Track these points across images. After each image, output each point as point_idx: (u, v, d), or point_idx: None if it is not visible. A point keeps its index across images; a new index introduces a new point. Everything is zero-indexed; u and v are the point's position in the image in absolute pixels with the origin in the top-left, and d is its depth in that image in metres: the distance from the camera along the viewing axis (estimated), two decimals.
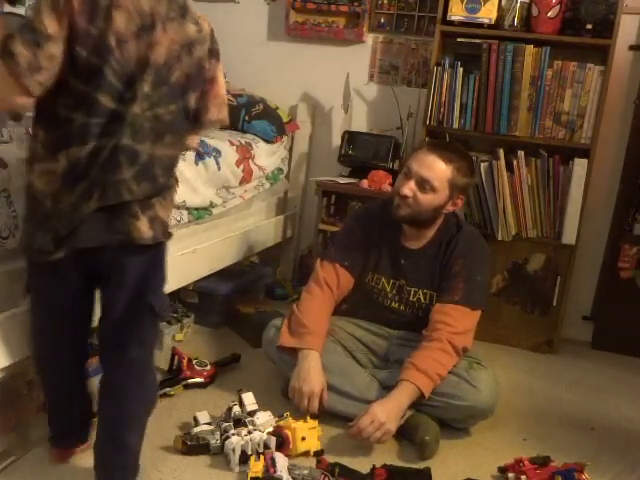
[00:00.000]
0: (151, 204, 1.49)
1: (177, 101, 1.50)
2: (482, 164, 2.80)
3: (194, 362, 2.29)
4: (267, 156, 3.07)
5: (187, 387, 2.24)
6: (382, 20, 3.25)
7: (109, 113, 1.41)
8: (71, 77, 1.38)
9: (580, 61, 2.74)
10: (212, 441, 1.87)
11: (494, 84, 2.78)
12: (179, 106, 1.51)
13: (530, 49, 2.73)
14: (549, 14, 2.69)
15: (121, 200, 1.44)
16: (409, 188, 2.12)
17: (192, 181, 2.41)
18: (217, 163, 2.57)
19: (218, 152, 2.59)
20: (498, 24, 2.79)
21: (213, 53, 1.60)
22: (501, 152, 2.80)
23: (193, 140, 1.71)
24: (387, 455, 1.96)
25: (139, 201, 1.46)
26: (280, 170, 3.23)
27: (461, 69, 2.83)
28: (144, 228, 1.48)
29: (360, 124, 3.29)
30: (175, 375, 2.27)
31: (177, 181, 1.64)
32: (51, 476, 1.72)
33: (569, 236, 2.80)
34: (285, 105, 3.32)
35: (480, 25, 2.78)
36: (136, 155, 1.44)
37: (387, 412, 1.93)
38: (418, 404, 2.02)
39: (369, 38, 3.28)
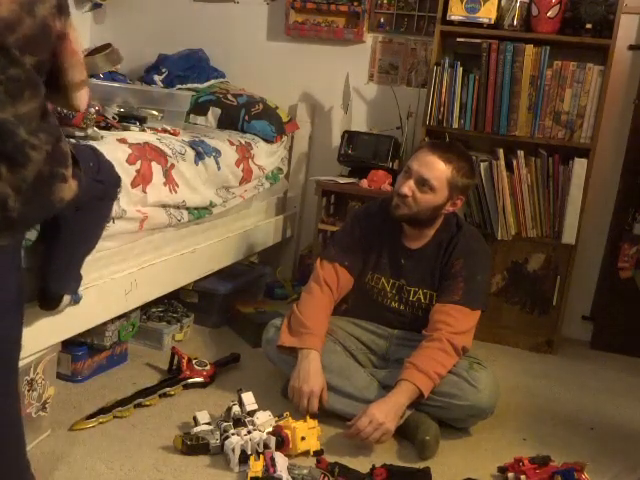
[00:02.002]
0: None
1: (22, 62, 1.35)
2: (482, 164, 2.81)
3: (194, 362, 2.29)
4: (267, 156, 3.07)
5: (187, 387, 2.24)
6: (382, 20, 3.25)
7: None
8: None
9: (580, 61, 2.74)
10: (212, 441, 1.87)
11: (494, 84, 2.78)
12: (27, 66, 1.36)
13: (530, 49, 2.73)
14: (549, 14, 2.70)
15: None
16: (408, 187, 2.12)
17: (192, 181, 2.41)
18: (217, 163, 2.57)
19: (218, 152, 2.60)
20: (498, 24, 2.79)
21: (61, 9, 1.44)
22: (501, 152, 2.80)
23: (75, 100, 1.57)
24: (387, 455, 1.96)
25: None
26: (280, 170, 3.23)
27: (461, 69, 2.83)
28: None
29: (360, 124, 3.29)
30: (175, 375, 2.27)
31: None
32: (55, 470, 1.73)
33: (569, 236, 2.80)
34: (285, 105, 3.32)
35: (480, 25, 2.78)
36: None
37: (385, 412, 1.93)
38: (418, 404, 2.02)
39: (369, 38, 3.28)
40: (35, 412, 1.82)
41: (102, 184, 1.78)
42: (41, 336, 1.78)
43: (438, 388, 2.02)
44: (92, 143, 1.95)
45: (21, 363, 1.65)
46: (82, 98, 1.59)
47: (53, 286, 1.74)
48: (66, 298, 1.79)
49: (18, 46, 1.35)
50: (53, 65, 1.47)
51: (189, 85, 3.25)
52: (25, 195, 1.35)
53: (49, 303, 1.77)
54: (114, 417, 2.00)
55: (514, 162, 2.80)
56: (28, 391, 1.78)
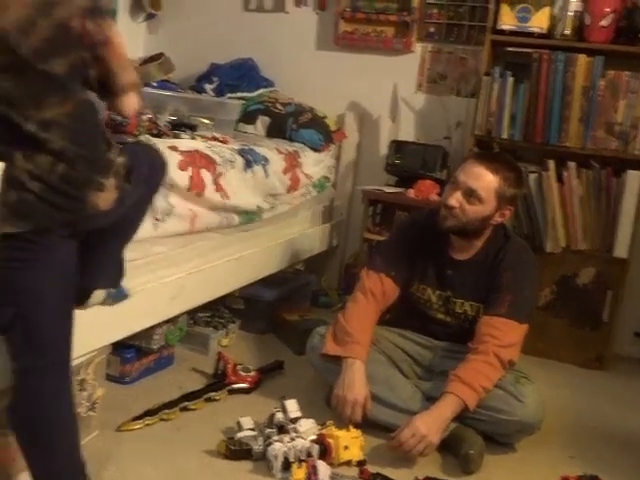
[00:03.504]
0: None
1: (40, 65, 1.38)
2: (531, 175, 2.77)
3: (239, 368, 2.31)
4: (314, 164, 3.09)
5: (231, 392, 2.26)
6: (431, 29, 3.24)
7: None
8: None
9: (634, 71, 2.68)
10: (255, 447, 1.88)
11: (544, 94, 2.75)
12: (46, 69, 1.38)
13: (582, 58, 2.69)
14: (602, 23, 2.65)
15: None
16: (455, 199, 2.11)
17: (240, 188, 2.44)
18: (265, 171, 2.59)
19: (266, 160, 2.62)
20: (549, 33, 2.75)
21: (95, 12, 1.45)
22: (551, 163, 2.76)
23: (122, 105, 1.58)
24: (430, 467, 1.94)
25: None
26: (327, 178, 3.25)
27: (511, 79, 2.81)
28: None
29: (407, 133, 3.28)
30: (220, 380, 2.29)
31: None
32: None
33: (621, 249, 2.74)
34: (333, 114, 3.33)
35: (531, 34, 2.75)
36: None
37: (429, 424, 1.91)
38: (463, 417, 2.00)
39: (418, 47, 3.27)
40: (85, 412, 1.85)
41: (151, 186, 1.77)
42: (91, 338, 1.81)
43: (484, 402, 1.99)
44: None
45: (72, 363, 1.69)
46: (128, 103, 1.60)
47: (82, 281, 1.65)
48: (98, 294, 1.73)
49: (40, 49, 1.37)
50: (101, 70, 1.50)
51: (239, 94, 3.29)
52: (48, 184, 1.39)
53: (79, 298, 1.69)
54: (160, 419, 2.03)
55: (565, 173, 2.75)
56: (79, 391, 1.82)
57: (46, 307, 1.47)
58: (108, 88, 1.53)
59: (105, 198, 1.49)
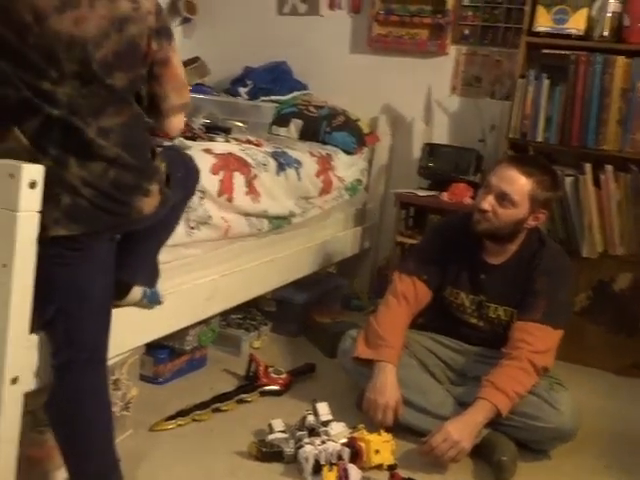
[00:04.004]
0: None
1: (106, 78, 1.44)
2: (567, 178, 2.73)
3: (270, 370, 2.32)
4: (347, 167, 3.08)
5: (263, 394, 2.27)
6: (466, 32, 3.22)
7: (37, 91, 1.38)
8: None
9: None
10: (286, 449, 1.89)
11: (582, 96, 2.71)
12: (109, 82, 1.44)
13: (621, 60, 2.64)
14: None
15: None
16: (488, 202, 2.09)
17: (273, 191, 2.45)
18: (298, 174, 2.60)
19: (299, 163, 2.63)
20: (587, 35, 2.71)
21: (161, 33, 1.52)
22: (588, 166, 2.71)
23: (168, 126, 1.65)
24: (462, 474, 1.93)
25: None
26: (359, 181, 3.24)
27: (547, 81, 2.77)
28: None
29: (441, 136, 3.26)
30: (251, 382, 2.30)
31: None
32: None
33: None
34: (366, 117, 3.33)
35: (568, 36, 2.71)
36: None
37: (461, 430, 1.90)
38: (496, 423, 1.98)
39: (452, 50, 3.25)
40: (119, 411, 1.88)
41: (187, 189, 1.83)
42: (126, 338, 1.83)
43: (517, 408, 1.97)
44: None
45: (107, 363, 1.72)
46: (175, 124, 1.67)
47: (122, 276, 1.69)
48: (137, 291, 1.77)
49: (107, 62, 1.43)
50: (154, 89, 1.56)
51: (272, 97, 3.32)
52: (99, 190, 1.43)
53: (117, 294, 1.72)
54: (192, 420, 2.05)
55: (602, 177, 2.70)
56: (113, 390, 1.84)
57: (87, 304, 1.51)
58: (157, 107, 1.58)
59: (149, 203, 1.54)
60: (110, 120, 1.45)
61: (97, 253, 1.51)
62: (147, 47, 1.51)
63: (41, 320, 1.48)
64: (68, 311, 1.49)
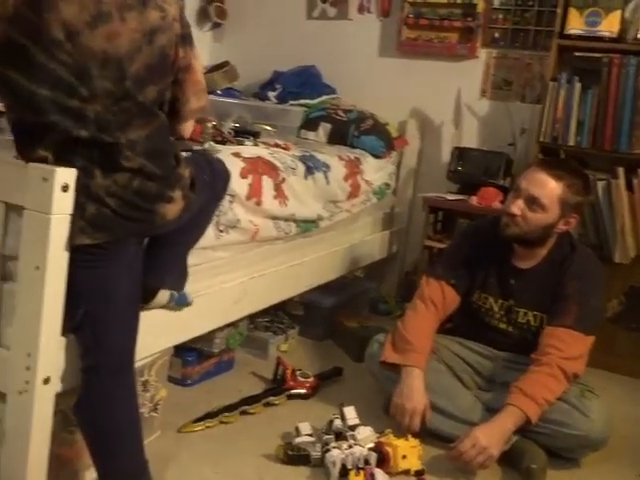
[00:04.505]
0: None
1: (138, 94, 1.42)
2: (599, 183, 2.69)
3: (297, 373, 2.32)
4: (375, 171, 3.08)
5: (290, 397, 2.28)
6: (496, 35, 3.20)
7: (65, 109, 1.36)
8: (9, 69, 1.34)
9: None
10: (313, 452, 1.89)
11: (614, 100, 2.67)
12: (140, 99, 1.43)
13: None
14: None
15: None
16: (517, 207, 2.07)
17: (301, 195, 2.45)
18: (326, 178, 2.60)
19: (327, 167, 2.63)
20: (620, 37, 2.67)
21: (185, 39, 1.52)
22: (620, 170, 2.67)
23: (183, 130, 1.65)
24: None
25: None
26: (387, 185, 3.23)
27: (579, 84, 2.74)
28: None
29: (470, 140, 3.24)
30: (279, 385, 2.31)
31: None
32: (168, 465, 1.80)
33: None
34: (395, 120, 3.32)
35: (600, 39, 2.68)
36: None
37: (489, 436, 1.88)
38: (525, 430, 1.95)
39: (482, 53, 3.23)
40: (147, 412, 1.90)
41: (214, 192, 1.83)
42: (155, 340, 1.85)
43: (547, 415, 1.95)
44: None
45: (136, 365, 1.74)
46: (189, 127, 1.68)
47: (149, 280, 1.70)
48: (163, 294, 1.78)
49: (140, 76, 1.42)
50: (176, 94, 1.56)
51: (301, 101, 3.33)
52: (123, 200, 1.44)
53: (144, 297, 1.73)
54: (220, 422, 2.06)
55: (635, 181, 2.66)
56: (142, 392, 1.86)
57: (114, 307, 1.52)
58: (177, 111, 1.59)
59: (173, 209, 1.54)
60: (137, 132, 1.45)
61: (122, 257, 1.52)
62: (175, 55, 1.50)
63: (70, 323, 1.50)
64: (94, 314, 1.50)
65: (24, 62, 1.34)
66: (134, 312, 1.60)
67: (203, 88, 1.61)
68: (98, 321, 1.51)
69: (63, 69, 1.35)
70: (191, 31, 1.56)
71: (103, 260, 1.49)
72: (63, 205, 1.40)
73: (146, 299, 1.73)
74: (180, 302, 1.86)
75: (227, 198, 2.02)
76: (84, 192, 1.42)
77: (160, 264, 1.72)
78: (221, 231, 2.05)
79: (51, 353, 1.46)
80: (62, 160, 1.39)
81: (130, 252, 1.54)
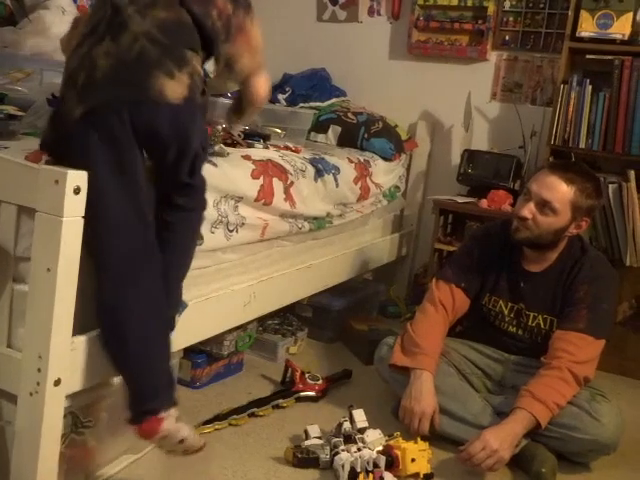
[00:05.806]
0: None
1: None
2: (610, 186, 2.68)
3: (306, 376, 2.32)
4: (385, 174, 3.08)
5: (299, 400, 2.28)
6: (507, 37, 3.20)
7: None
8: None
9: None
10: (322, 455, 1.89)
11: (626, 102, 2.66)
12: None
13: None
14: None
15: None
16: (528, 210, 2.06)
17: (310, 197, 2.46)
18: (335, 180, 2.60)
19: (337, 169, 2.63)
20: (632, 39, 2.66)
21: (238, 3, 1.65)
22: (632, 173, 2.66)
23: (257, 85, 1.77)
24: None
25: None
26: (397, 188, 3.23)
27: (590, 87, 2.73)
28: None
29: (481, 143, 3.23)
30: (288, 387, 2.31)
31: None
32: (171, 474, 1.80)
33: None
34: (405, 123, 3.33)
35: (612, 41, 2.67)
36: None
37: (500, 439, 1.87)
38: (535, 434, 1.95)
39: (493, 56, 3.23)
40: None
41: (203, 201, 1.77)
42: None
43: (557, 419, 1.94)
44: (218, 159, 2.03)
45: None
46: (261, 83, 1.79)
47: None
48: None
49: None
50: (229, 50, 1.65)
51: (311, 104, 3.33)
52: (120, 60, 1.47)
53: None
54: (229, 425, 2.06)
55: None
56: None
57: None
58: (231, 68, 1.68)
59: (173, 88, 1.49)
60: (157, 11, 1.52)
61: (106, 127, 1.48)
62: (224, 6, 1.61)
63: None
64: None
65: None
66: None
67: (257, 50, 1.72)
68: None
69: None
70: (249, 2, 1.69)
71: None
72: (75, 208, 1.40)
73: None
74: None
75: (233, 200, 2.03)
76: (84, 62, 1.47)
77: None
78: (231, 231, 2.05)
79: (62, 355, 1.47)
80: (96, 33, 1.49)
81: (116, 125, 1.48)
